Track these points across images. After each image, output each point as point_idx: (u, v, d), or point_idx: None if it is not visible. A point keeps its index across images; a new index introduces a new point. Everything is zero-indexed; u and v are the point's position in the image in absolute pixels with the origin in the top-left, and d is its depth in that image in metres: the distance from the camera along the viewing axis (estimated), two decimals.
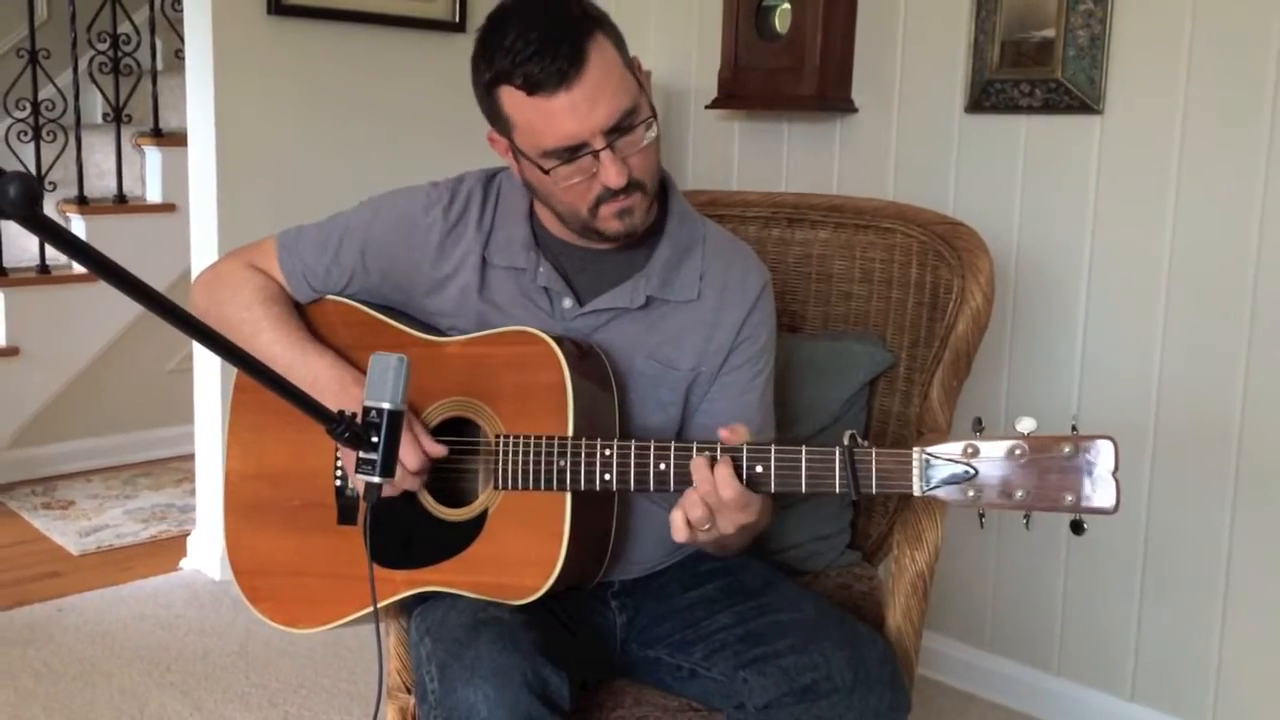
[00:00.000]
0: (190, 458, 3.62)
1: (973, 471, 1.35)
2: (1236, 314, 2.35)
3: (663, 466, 1.46)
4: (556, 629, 1.60)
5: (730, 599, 1.65)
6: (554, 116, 1.48)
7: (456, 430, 1.61)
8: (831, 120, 2.99)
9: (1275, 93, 2.27)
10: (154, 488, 4.24)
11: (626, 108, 1.50)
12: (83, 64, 4.63)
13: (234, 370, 1.47)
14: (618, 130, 1.50)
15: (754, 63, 2.98)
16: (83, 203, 4.39)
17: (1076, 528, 1.34)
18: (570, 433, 1.51)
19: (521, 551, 1.53)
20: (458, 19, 3.45)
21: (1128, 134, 2.47)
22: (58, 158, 4.48)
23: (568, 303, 1.65)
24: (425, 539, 1.59)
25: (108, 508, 4.01)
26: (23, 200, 0.94)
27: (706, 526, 1.45)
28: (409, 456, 1.52)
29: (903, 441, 1.98)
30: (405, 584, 1.59)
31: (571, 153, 1.50)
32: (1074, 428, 1.34)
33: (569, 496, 1.51)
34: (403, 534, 1.60)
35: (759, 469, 1.43)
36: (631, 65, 1.55)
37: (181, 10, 3.29)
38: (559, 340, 1.55)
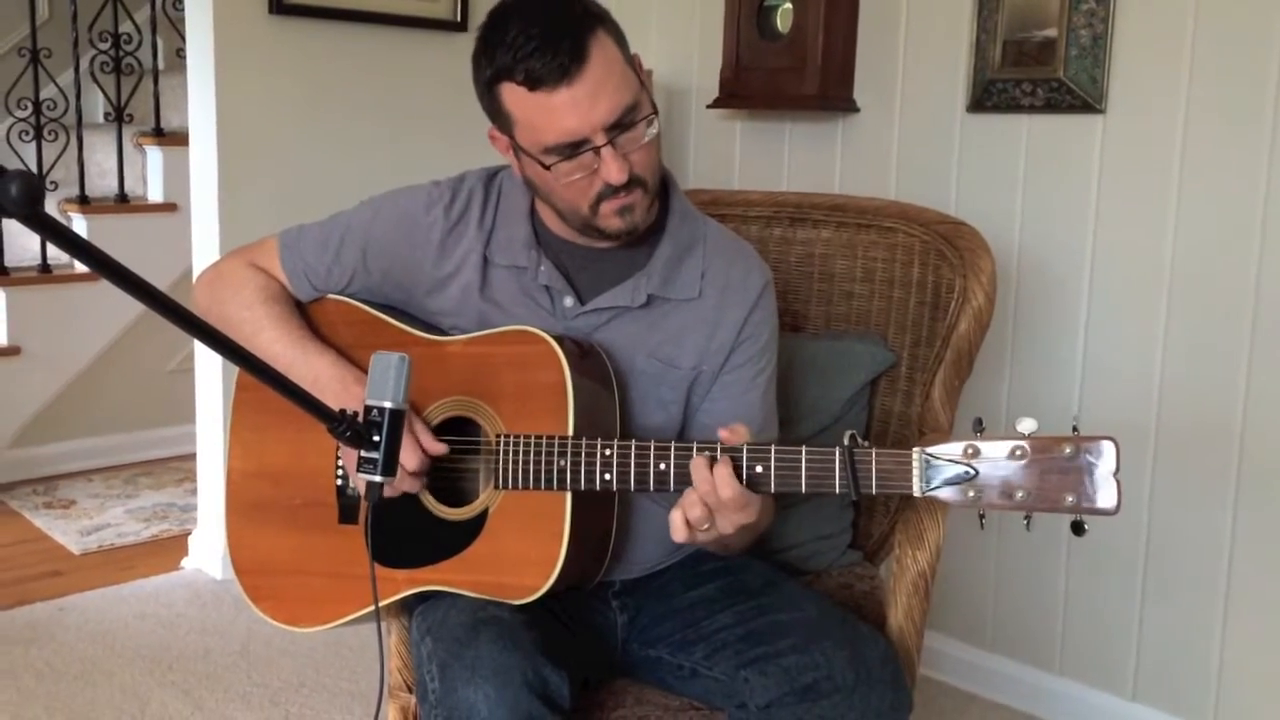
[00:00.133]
0: (191, 457, 3.62)
1: (973, 472, 1.35)
2: (1238, 314, 2.35)
3: (663, 466, 1.46)
4: (557, 628, 1.60)
5: (731, 598, 1.65)
6: (555, 112, 1.47)
7: (457, 430, 1.61)
8: (833, 120, 2.99)
9: (1277, 92, 2.27)
10: (155, 487, 4.24)
11: (628, 104, 1.50)
12: (84, 63, 4.63)
13: (235, 369, 1.48)
14: (619, 127, 1.49)
15: (755, 62, 2.98)
16: (84, 202, 4.39)
17: (1077, 528, 1.33)
18: (570, 432, 1.51)
19: (522, 551, 1.53)
20: (459, 18, 3.45)
21: (1130, 133, 2.47)
22: (59, 157, 4.48)
23: (569, 301, 1.65)
24: (426, 538, 1.59)
25: (109, 507, 4.01)
26: (24, 199, 0.94)
27: (705, 526, 1.45)
28: (409, 457, 1.52)
29: (904, 441, 1.98)
30: (406, 583, 1.59)
31: (572, 149, 1.50)
32: (1075, 428, 1.34)
33: (569, 496, 1.51)
34: (403, 533, 1.60)
35: (759, 469, 1.42)
36: (632, 62, 1.55)
37: (183, 9, 3.29)
38: (559, 339, 1.55)
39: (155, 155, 4.56)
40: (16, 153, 4.54)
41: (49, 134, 4.46)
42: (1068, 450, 1.32)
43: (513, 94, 1.50)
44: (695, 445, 1.45)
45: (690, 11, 3.29)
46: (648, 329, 1.66)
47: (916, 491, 1.37)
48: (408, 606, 1.66)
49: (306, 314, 1.75)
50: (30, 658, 2.90)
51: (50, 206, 4.45)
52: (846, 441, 1.39)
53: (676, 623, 1.67)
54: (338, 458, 1.67)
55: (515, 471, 1.52)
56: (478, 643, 1.44)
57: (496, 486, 1.55)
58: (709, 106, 3.11)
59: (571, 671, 1.47)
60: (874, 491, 1.39)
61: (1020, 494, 1.33)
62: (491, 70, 1.51)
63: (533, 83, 1.47)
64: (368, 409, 1.37)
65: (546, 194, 1.59)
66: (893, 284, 2.05)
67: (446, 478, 1.62)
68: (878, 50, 2.88)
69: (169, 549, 3.61)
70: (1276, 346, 2.31)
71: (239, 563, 1.73)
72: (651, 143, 1.54)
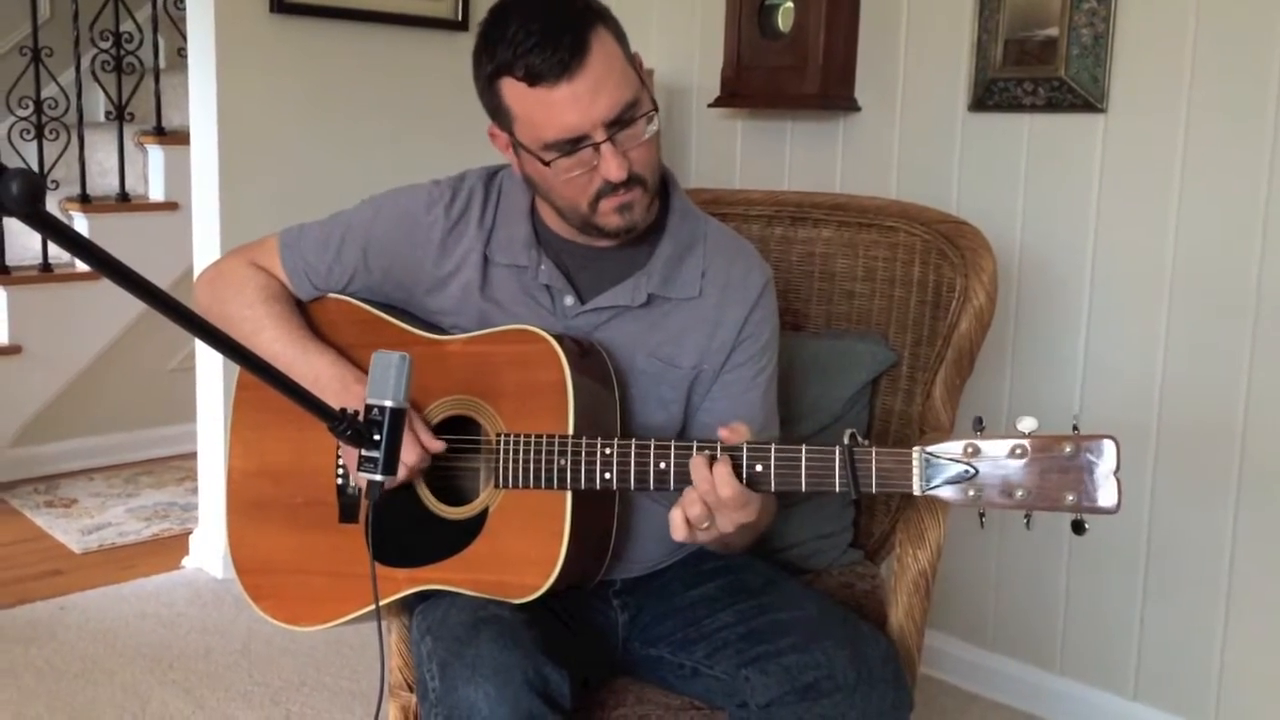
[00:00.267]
0: (192, 456, 3.63)
1: (973, 471, 1.35)
2: (1240, 313, 2.35)
3: (663, 465, 1.46)
4: (558, 627, 1.60)
5: (732, 597, 1.65)
6: (555, 108, 1.47)
7: (457, 429, 1.61)
8: (834, 119, 2.98)
9: (1278, 91, 2.27)
10: (156, 486, 4.24)
11: (628, 100, 1.50)
12: (85, 62, 4.63)
13: (236, 368, 1.47)
14: (618, 123, 1.49)
15: (757, 61, 2.98)
16: (85, 201, 4.39)
17: (1078, 528, 1.33)
18: (571, 431, 1.51)
19: (522, 550, 1.53)
20: (460, 17, 3.45)
21: (1131, 133, 2.47)
22: (60, 156, 4.48)
23: (569, 300, 1.65)
24: (426, 537, 1.59)
25: (110, 506, 4.01)
26: (26, 197, 0.94)
27: (705, 525, 1.45)
28: (408, 452, 1.52)
29: (905, 441, 1.98)
30: (406, 582, 1.59)
31: (572, 145, 1.50)
32: (1075, 427, 1.34)
33: (569, 495, 1.51)
34: (404, 532, 1.60)
35: (759, 468, 1.42)
36: (633, 60, 1.54)
37: (184, 8, 3.29)
38: (560, 338, 1.55)
39: (156, 154, 4.56)
40: (18, 151, 4.54)
41: (50, 133, 4.46)
42: (1068, 449, 1.32)
43: (513, 89, 1.50)
44: (695, 444, 1.45)
45: (691, 10, 3.29)
46: (648, 328, 1.65)
47: (917, 490, 1.37)
48: (408, 605, 1.66)
49: (307, 313, 1.75)
50: (31, 656, 2.90)
51: (51, 205, 4.45)
52: (846, 440, 1.39)
53: (677, 622, 1.66)
54: (338, 457, 1.67)
55: (515, 470, 1.52)
56: (478, 641, 1.44)
57: (497, 485, 1.55)
58: (710, 105, 3.11)
59: (572, 670, 1.47)
60: (874, 490, 1.39)
61: (1020, 493, 1.33)
62: (492, 66, 1.51)
63: (533, 78, 1.47)
64: (368, 408, 1.37)
65: (546, 191, 1.59)
66: (894, 283, 2.05)
67: (447, 476, 1.62)
68: (879, 49, 2.88)
69: (170, 548, 3.61)
70: (1278, 346, 2.31)
71: (240, 562, 1.73)
72: (651, 140, 1.54)
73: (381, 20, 3.34)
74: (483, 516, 1.56)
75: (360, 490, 1.64)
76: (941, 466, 1.36)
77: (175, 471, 4.39)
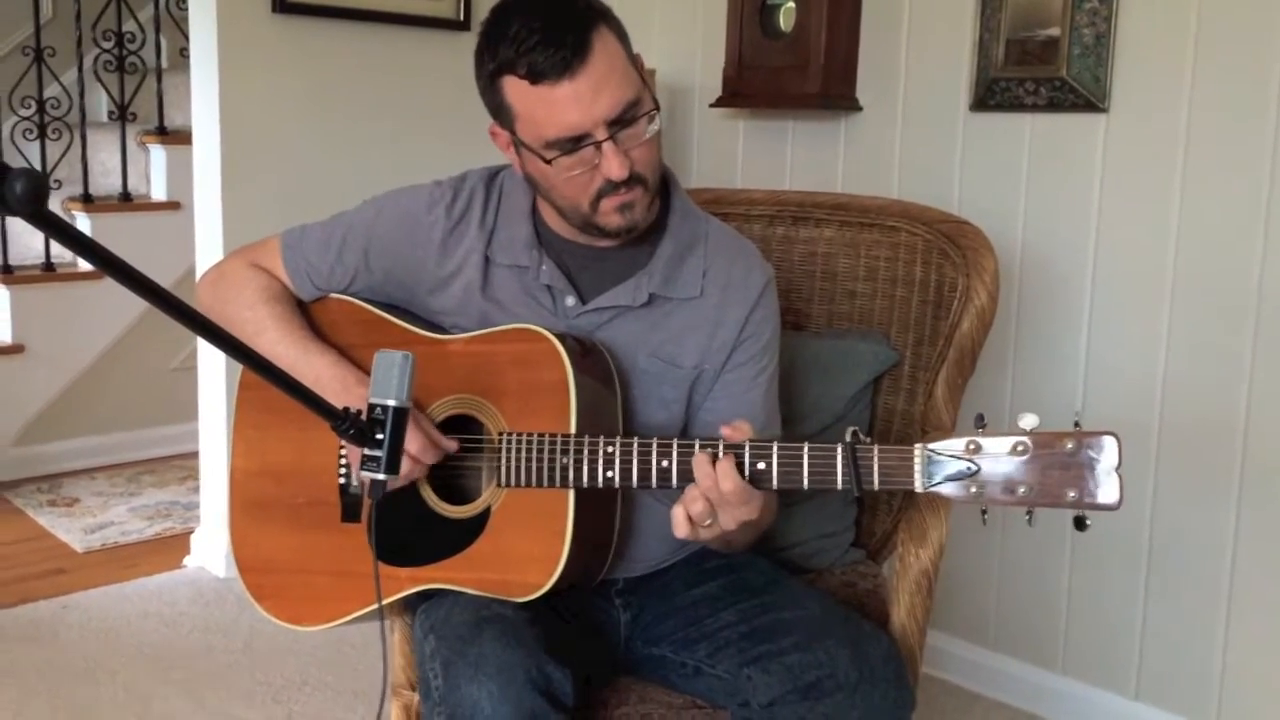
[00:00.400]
0: (194, 455, 3.63)
1: (975, 468, 1.35)
2: (1242, 311, 2.35)
3: (665, 463, 1.46)
4: (560, 626, 1.60)
5: (734, 596, 1.65)
6: (557, 106, 1.48)
7: (459, 428, 1.61)
8: (836, 119, 2.99)
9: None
10: (158, 485, 4.24)
11: (629, 99, 1.50)
12: (88, 62, 4.63)
13: (238, 368, 1.48)
14: (620, 122, 1.50)
15: (758, 61, 2.98)
16: (87, 200, 4.40)
17: (1079, 524, 1.33)
18: (573, 430, 1.52)
19: (525, 549, 1.53)
20: (462, 17, 3.45)
21: (1133, 132, 2.47)
22: (63, 155, 4.49)
23: (570, 301, 1.65)
24: (428, 536, 1.59)
25: (112, 505, 4.01)
26: (29, 197, 0.94)
27: (708, 522, 1.45)
28: (419, 446, 1.52)
29: (907, 440, 1.97)
30: (409, 581, 1.59)
31: (574, 143, 1.50)
32: (1076, 424, 1.34)
33: (572, 494, 1.51)
34: (406, 531, 1.60)
35: (761, 465, 1.43)
36: (635, 61, 1.55)
37: (186, 8, 3.30)
38: (562, 337, 1.55)
39: (159, 153, 4.56)
40: (20, 151, 4.55)
41: (53, 132, 4.46)
42: (1069, 445, 1.32)
43: (515, 88, 1.50)
44: (697, 442, 1.45)
45: (693, 10, 3.29)
46: (649, 328, 1.66)
47: (918, 487, 1.37)
48: (410, 604, 1.66)
49: (309, 313, 1.75)
50: (33, 656, 2.90)
51: (54, 205, 4.45)
52: (849, 438, 1.40)
53: (679, 620, 1.67)
54: (340, 456, 1.67)
55: (518, 469, 1.52)
56: (481, 640, 1.44)
57: (499, 484, 1.55)
58: (712, 105, 3.11)
59: (574, 669, 1.47)
60: (876, 487, 1.39)
61: (1022, 489, 1.33)
62: (494, 64, 1.51)
63: (535, 76, 1.47)
64: (371, 407, 1.37)
65: (547, 190, 1.59)
66: (895, 283, 2.05)
67: (449, 475, 1.62)
68: (880, 49, 2.88)
69: (172, 547, 3.61)
70: (1279, 344, 2.31)
71: (242, 561, 1.74)
72: (652, 139, 1.54)
73: (383, 20, 3.34)
74: (485, 515, 1.56)
75: (363, 489, 1.64)
76: (943, 463, 1.36)
77: (177, 471, 4.39)
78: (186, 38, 3.42)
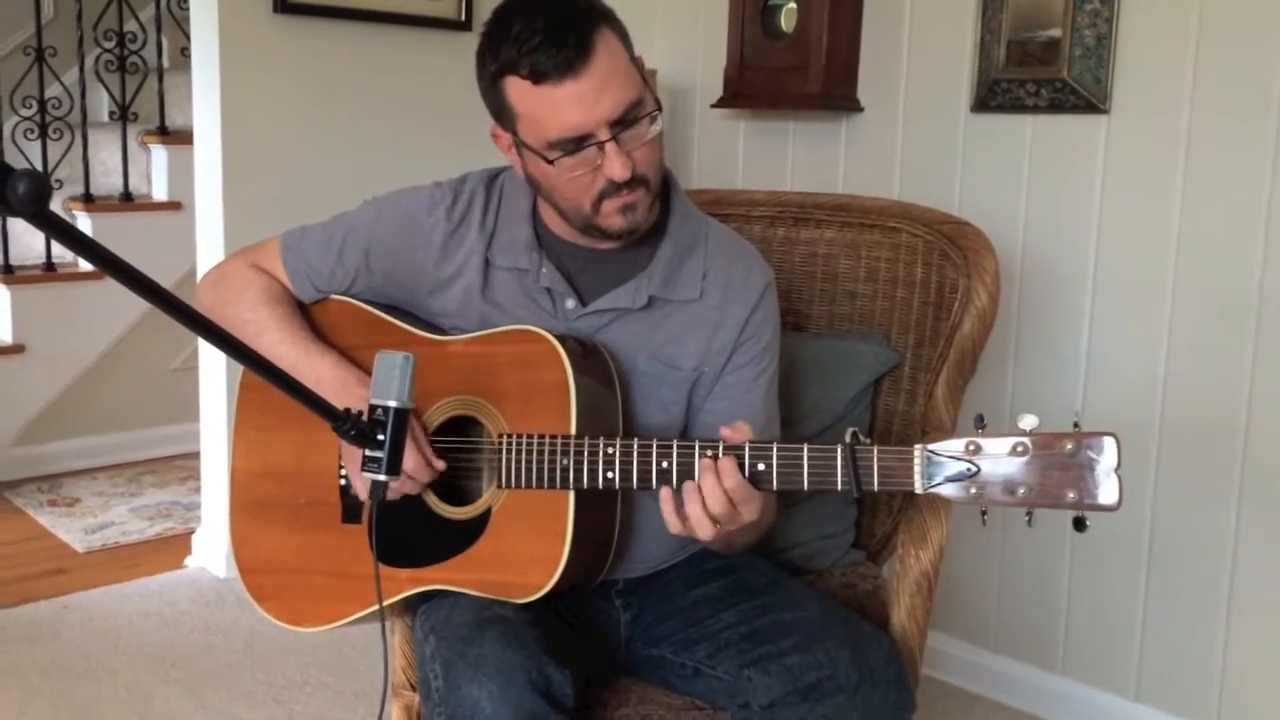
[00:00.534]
0: (195, 456, 3.63)
1: (975, 469, 1.35)
2: (1242, 313, 2.35)
3: (665, 465, 1.46)
4: (560, 627, 1.60)
5: (735, 597, 1.65)
6: (560, 106, 1.48)
7: (460, 429, 1.61)
8: (837, 119, 2.99)
9: None
10: (159, 485, 4.25)
11: (632, 100, 1.50)
12: (89, 62, 4.64)
13: (239, 368, 1.48)
14: (622, 123, 1.50)
15: (760, 62, 2.98)
16: (89, 201, 4.40)
17: (1079, 525, 1.34)
18: (573, 431, 1.52)
19: (525, 550, 1.53)
20: (464, 17, 3.45)
21: (1134, 134, 2.47)
22: (64, 156, 4.49)
23: (570, 303, 1.65)
24: (429, 537, 1.59)
25: (113, 505, 4.02)
26: (32, 198, 0.94)
27: (709, 527, 1.45)
28: (411, 465, 1.52)
29: (907, 441, 1.98)
30: (409, 582, 1.60)
31: (576, 144, 1.50)
32: (1076, 424, 1.34)
33: (572, 495, 1.51)
34: (407, 532, 1.60)
35: (761, 466, 1.43)
36: (637, 62, 1.55)
37: (188, 8, 3.30)
38: (562, 339, 1.55)
39: (160, 154, 4.56)
40: (21, 151, 4.55)
41: (54, 132, 4.47)
42: (1069, 446, 1.32)
43: (517, 88, 1.50)
44: (697, 443, 1.45)
45: (694, 11, 3.29)
46: (649, 330, 1.66)
47: (918, 488, 1.37)
48: (411, 605, 1.66)
49: (309, 314, 1.75)
50: (35, 656, 2.90)
51: (55, 205, 4.45)
52: (848, 438, 1.40)
53: (679, 621, 1.67)
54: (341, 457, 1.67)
55: (518, 470, 1.52)
56: (481, 641, 1.45)
57: (499, 485, 1.55)
58: (713, 106, 3.11)
59: (575, 670, 1.47)
60: (876, 488, 1.39)
61: (1022, 490, 1.34)
62: (496, 65, 1.51)
63: (538, 76, 1.47)
64: (372, 408, 1.37)
65: (549, 192, 1.59)
66: (896, 284, 2.05)
67: (450, 477, 1.62)
68: (882, 50, 2.88)
69: (173, 547, 3.61)
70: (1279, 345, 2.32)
71: (243, 561, 1.74)
72: (654, 140, 1.54)
73: (385, 20, 3.34)
74: (485, 516, 1.57)
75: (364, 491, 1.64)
76: (943, 464, 1.36)
77: (178, 471, 4.40)
78: (188, 37, 3.42)
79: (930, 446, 1.37)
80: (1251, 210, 2.32)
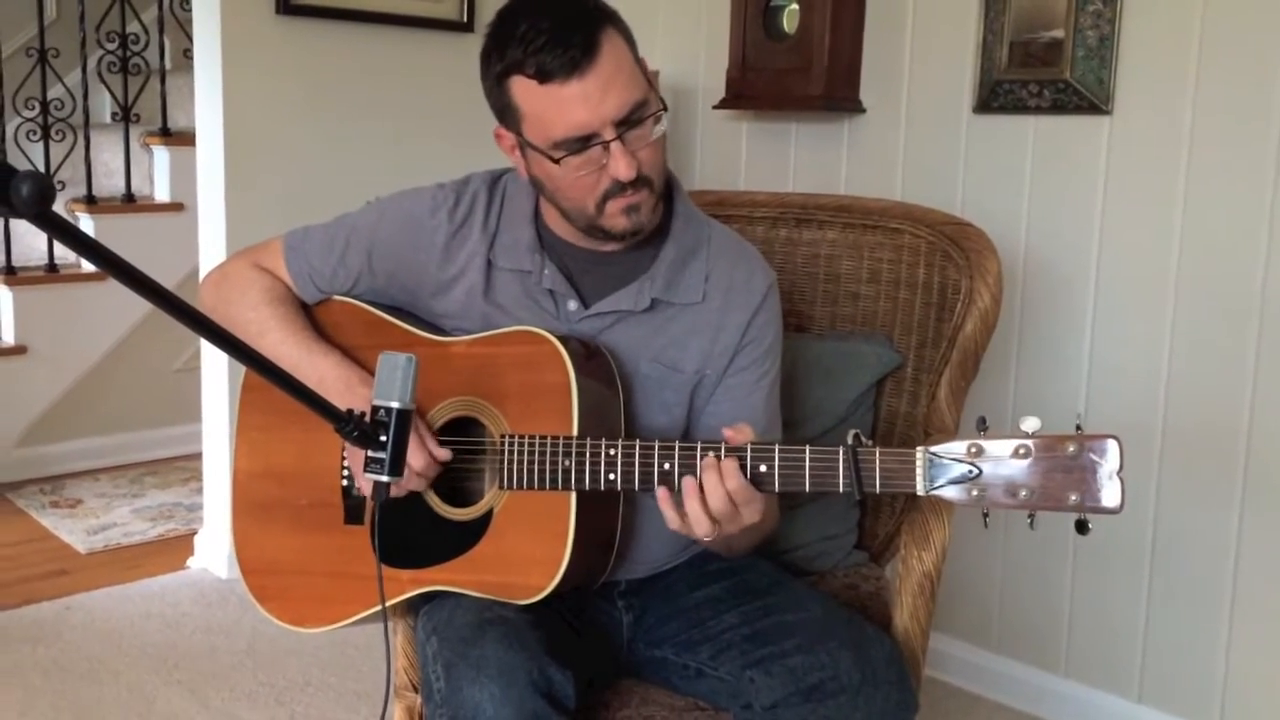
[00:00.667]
0: (197, 457, 3.63)
1: (977, 471, 1.35)
2: (1245, 314, 2.35)
3: (667, 466, 1.46)
4: (562, 628, 1.60)
5: (737, 598, 1.65)
6: (565, 105, 1.48)
7: (462, 430, 1.61)
8: (839, 120, 2.99)
9: None
10: (161, 486, 4.25)
11: (637, 100, 1.50)
12: (91, 63, 4.64)
13: (241, 369, 1.48)
14: (627, 123, 1.50)
15: (762, 63, 2.98)
16: (91, 202, 4.40)
17: (1081, 527, 1.33)
18: (575, 433, 1.52)
19: (527, 551, 1.53)
20: (466, 19, 3.46)
21: (1136, 135, 2.47)
22: (66, 157, 4.49)
23: (572, 305, 1.65)
24: (431, 538, 1.59)
25: (115, 506, 4.02)
26: (35, 199, 0.94)
27: (707, 527, 1.45)
28: (414, 457, 1.52)
29: (910, 442, 1.97)
30: (411, 583, 1.60)
31: (581, 143, 1.50)
32: (1078, 427, 1.34)
33: (574, 496, 1.51)
34: (409, 533, 1.60)
35: (763, 468, 1.43)
36: (641, 63, 1.55)
37: (190, 9, 3.30)
38: (565, 340, 1.55)
39: (162, 155, 4.57)
40: (24, 152, 4.55)
41: (56, 134, 4.47)
42: (1071, 449, 1.32)
43: (523, 87, 1.50)
44: (699, 444, 1.45)
45: (697, 12, 3.29)
46: (651, 333, 1.65)
47: (920, 490, 1.37)
48: (413, 606, 1.66)
49: (312, 315, 1.75)
50: (37, 656, 2.90)
51: (57, 206, 4.44)
52: (850, 440, 1.40)
53: (682, 623, 1.67)
54: (343, 458, 1.67)
55: (520, 472, 1.52)
56: (483, 642, 1.45)
57: (501, 487, 1.55)
58: (715, 107, 3.11)
59: (577, 671, 1.47)
60: (878, 491, 1.39)
61: (1024, 493, 1.33)
62: (502, 65, 1.51)
63: (544, 75, 1.47)
64: (374, 409, 1.37)
65: (553, 192, 1.59)
66: (898, 285, 2.05)
67: (452, 478, 1.62)
68: (884, 51, 2.88)
69: (175, 548, 3.62)
70: None
71: (245, 562, 1.74)
72: (658, 141, 1.54)
73: (387, 22, 3.35)
74: (488, 518, 1.57)
75: (366, 492, 1.64)
76: (945, 466, 1.36)
77: (180, 472, 4.40)
78: (190, 39, 3.42)
79: (932, 448, 1.37)
80: (1254, 211, 2.32)
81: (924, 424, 1.99)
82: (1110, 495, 1.31)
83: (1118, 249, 2.53)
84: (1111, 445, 1.31)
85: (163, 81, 4.57)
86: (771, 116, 3.13)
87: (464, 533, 1.57)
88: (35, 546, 3.66)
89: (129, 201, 4.47)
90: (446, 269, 1.68)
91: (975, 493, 1.35)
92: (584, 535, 1.53)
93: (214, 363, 3.37)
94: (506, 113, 1.56)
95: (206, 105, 3.23)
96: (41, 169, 4.37)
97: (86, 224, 4.39)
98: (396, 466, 1.38)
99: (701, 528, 1.45)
